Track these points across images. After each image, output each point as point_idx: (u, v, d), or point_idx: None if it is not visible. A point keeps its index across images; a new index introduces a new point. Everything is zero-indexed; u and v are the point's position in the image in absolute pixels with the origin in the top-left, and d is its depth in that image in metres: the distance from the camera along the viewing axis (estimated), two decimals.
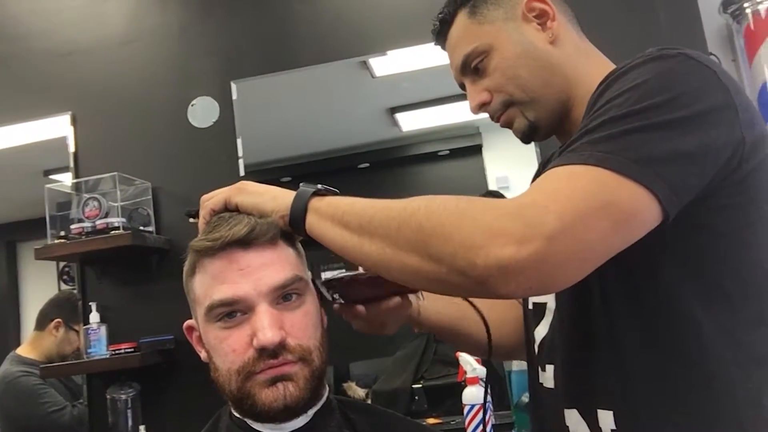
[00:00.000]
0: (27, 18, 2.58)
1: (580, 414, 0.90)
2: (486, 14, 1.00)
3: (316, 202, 0.88)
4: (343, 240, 0.83)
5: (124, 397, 2.15)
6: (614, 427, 0.85)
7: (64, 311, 2.41)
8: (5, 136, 2.54)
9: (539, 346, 1.02)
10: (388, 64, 2.40)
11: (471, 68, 1.01)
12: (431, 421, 2.19)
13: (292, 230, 0.91)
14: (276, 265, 0.90)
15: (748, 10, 2.11)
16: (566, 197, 0.71)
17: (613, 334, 0.86)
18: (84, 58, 2.50)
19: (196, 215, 1.00)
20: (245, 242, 0.89)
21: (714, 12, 2.21)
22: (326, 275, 0.96)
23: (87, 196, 2.24)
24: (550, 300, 0.99)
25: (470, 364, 1.88)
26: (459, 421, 1.96)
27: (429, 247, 0.74)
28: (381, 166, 2.59)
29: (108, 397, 2.16)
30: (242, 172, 2.32)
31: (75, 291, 2.39)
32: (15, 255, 2.74)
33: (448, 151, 2.55)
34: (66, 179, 2.44)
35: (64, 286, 2.55)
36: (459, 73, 1.04)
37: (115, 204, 2.22)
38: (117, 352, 2.15)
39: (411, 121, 2.60)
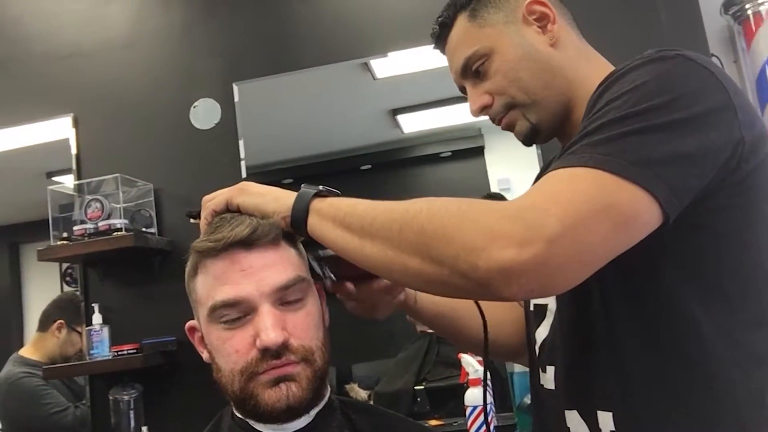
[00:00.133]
0: (29, 20, 2.59)
1: (581, 415, 0.90)
2: (486, 17, 1.00)
3: (318, 204, 0.88)
4: (344, 241, 0.83)
5: (126, 398, 2.16)
6: (613, 429, 0.86)
7: (66, 312, 2.42)
8: (8, 138, 2.54)
9: (540, 348, 1.02)
10: (389, 65, 2.40)
11: (472, 71, 1.01)
12: (433, 422, 2.19)
13: (294, 231, 0.91)
14: (278, 265, 0.91)
15: (749, 11, 2.11)
16: (567, 200, 0.72)
17: (614, 336, 0.86)
18: (86, 61, 2.50)
19: (197, 216, 1.00)
20: (247, 243, 0.90)
21: (715, 13, 2.21)
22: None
23: (89, 197, 2.24)
24: (551, 302, 0.99)
25: (472, 365, 1.88)
26: (461, 422, 1.96)
27: (431, 249, 0.74)
28: (383, 168, 2.59)
29: (110, 398, 2.16)
30: (244, 174, 2.32)
31: (77, 292, 2.40)
32: (18, 256, 2.75)
33: (449, 153, 2.55)
34: (68, 181, 2.44)
35: (66, 288, 2.55)
36: (459, 77, 1.04)
37: (118, 205, 2.23)
38: (119, 353, 2.16)
39: (413, 123, 2.60)
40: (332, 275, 0.98)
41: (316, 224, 0.87)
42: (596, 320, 0.88)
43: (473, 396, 1.84)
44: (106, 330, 2.19)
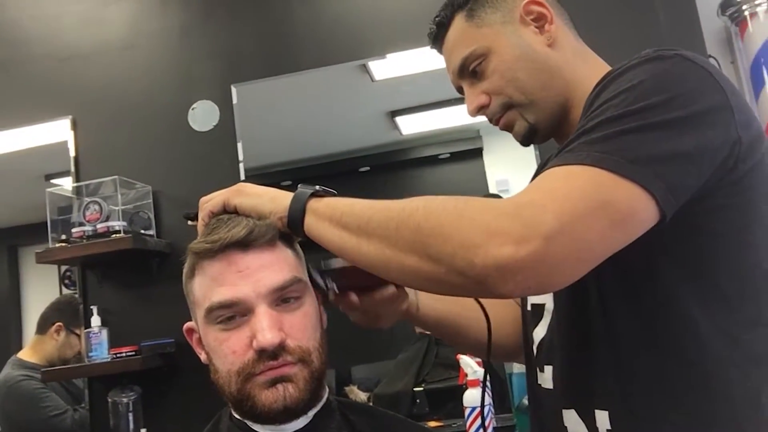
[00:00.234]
0: (27, 23, 2.59)
1: (579, 414, 0.90)
2: (484, 17, 1.00)
3: (315, 204, 0.88)
4: (341, 241, 0.83)
5: (125, 400, 2.16)
6: (609, 427, 0.86)
7: (65, 315, 2.42)
8: (6, 140, 2.54)
9: (538, 347, 1.02)
10: (387, 67, 2.41)
11: (469, 71, 1.01)
12: (433, 424, 2.18)
13: (291, 232, 0.91)
14: (275, 266, 0.91)
15: (746, 13, 2.11)
16: (564, 197, 0.72)
17: (611, 335, 0.86)
18: (84, 63, 2.50)
19: (194, 218, 1.00)
20: (244, 244, 0.89)
21: (713, 14, 2.22)
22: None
23: (88, 199, 2.24)
24: (548, 301, 0.99)
25: (471, 366, 1.88)
26: (460, 424, 1.96)
27: (428, 247, 0.74)
28: (381, 170, 2.59)
29: (109, 400, 2.16)
30: (243, 176, 2.32)
31: (76, 295, 2.40)
32: (16, 259, 2.75)
33: (448, 155, 2.55)
34: (67, 183, 2.44)
35: (65, 290, 2.55)
36: (456, 77, 1.04)
37: (116, 207, 2.23)
38: (118, 355, 2.16)
39: (411, 125, 2.61)
40: (335, 287, 0.97)
41: (312, 224, 0.87)
42: (594, 318, 0.88)
43: (472, 397, 1.84)
44: (104, 332, 2.19)
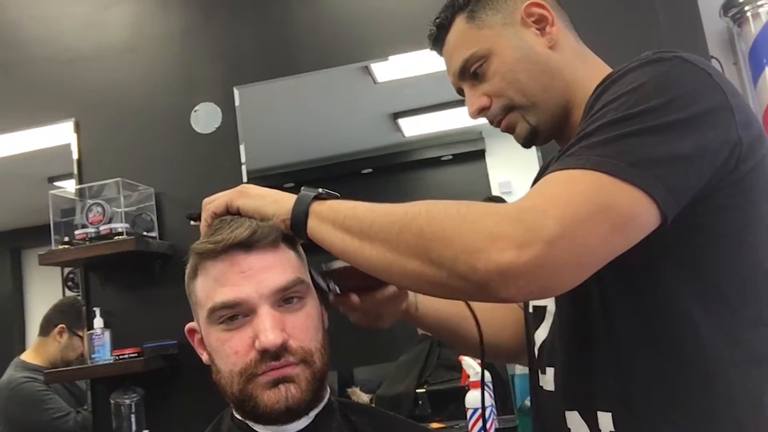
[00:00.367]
0: (29, 25, 2.60)
1: (581, 416, 0.90)
2: (485, 19, 1.00)
3: (318, 206, 0.88)
4: (344, 244, 0.84)
5: (128, 401, 2.16)
6: (612, 429, 0.86)
7: (68, 317, 2.42)
8: (9, 143, 2.55)
9: (539, 349, 1.02)
10: (390, 69, 2.41)
11: (470, 73, 1.02)
12: (435, 425, 2.18)
13: (294, 234, 0.91)
14: (277, 267, 0.91)
15: (748, 13, 2.11)
16: (565, 201, 0.72)
17: (612, 336, 0.86)
18: (86, 65, 2.51)
19: (197, 218, 1.00)
20: (247, 245, 0.90)
21: (715, 15, 2.21)
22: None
23: (91, 202, 2.25)
24: (550, 303, 0.99)
25: (473, 368, 1.88)
26: (462, 425, 1.96)
27: (430, 251, 0.74)
28: (384, 172, 2.60)
29: (112, 402, 2.16)
30: (245, 178, 2.32)
31: (79, 297, 2.40)
32: (20, 261, 2.75)
33: (450, 157, 2.55)
34: (70, 186, 2.45)
35: (68, 292, 2.55)
36: (457, 78, 1.04)
37: (119, 210, 2.23)
38: (121, 357, 2.16)
39: (413, 127, 2.61)
40: (337, 288, 0.98)
41: (315, 227, 0.88)
42: (595, 318, 0.88)
43: (474, 398, 1.84)
44: (107, 334, 2.20)
